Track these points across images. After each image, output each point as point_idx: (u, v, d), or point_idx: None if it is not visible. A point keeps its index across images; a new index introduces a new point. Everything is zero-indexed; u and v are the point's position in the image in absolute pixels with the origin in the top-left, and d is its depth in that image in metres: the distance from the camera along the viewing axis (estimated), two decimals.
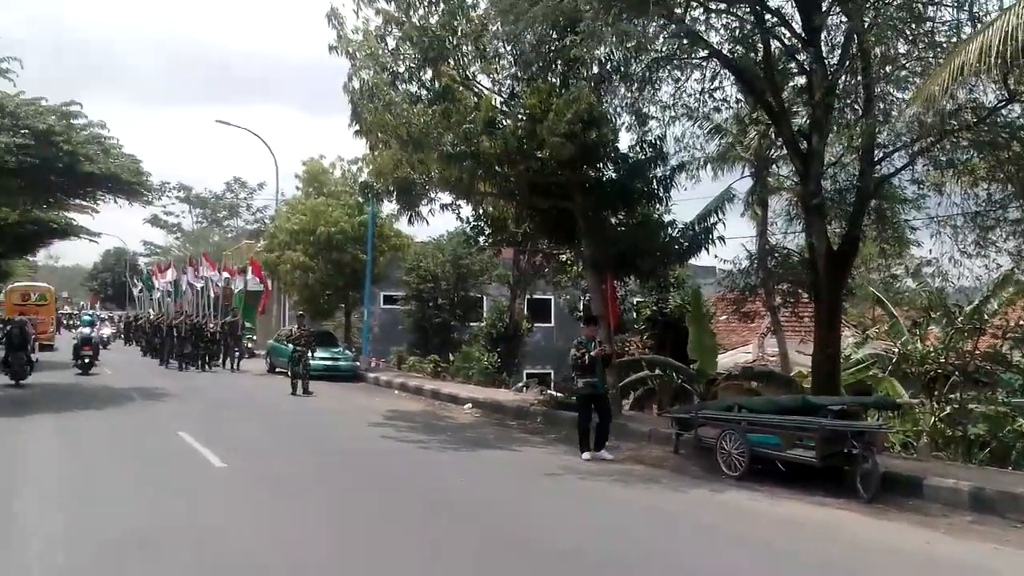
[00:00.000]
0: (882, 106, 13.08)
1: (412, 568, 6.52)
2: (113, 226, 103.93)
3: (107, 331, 41.39)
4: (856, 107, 13.63)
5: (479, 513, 8.54)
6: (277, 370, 27.56)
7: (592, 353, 12.13)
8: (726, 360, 21.86)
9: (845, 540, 7.82)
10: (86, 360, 23.85)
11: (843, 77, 13.27)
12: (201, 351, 28.01)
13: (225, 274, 31.39)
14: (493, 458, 12.34)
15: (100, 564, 6.33)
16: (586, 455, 11.90)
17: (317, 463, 11.36)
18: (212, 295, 30.44)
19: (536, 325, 30.67)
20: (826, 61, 12.91)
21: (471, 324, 30.39)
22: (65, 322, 52.79)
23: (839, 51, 13.10)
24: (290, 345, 26.73)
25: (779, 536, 7.86)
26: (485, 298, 31.75)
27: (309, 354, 20.99)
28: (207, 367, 27.79)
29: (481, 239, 20.56)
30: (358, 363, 26.67)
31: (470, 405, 18.58)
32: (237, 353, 28.42)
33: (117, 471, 10.40)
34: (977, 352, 16.04)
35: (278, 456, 11.91)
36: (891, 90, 13.21)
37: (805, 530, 8.15)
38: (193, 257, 38.30)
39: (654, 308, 21.94)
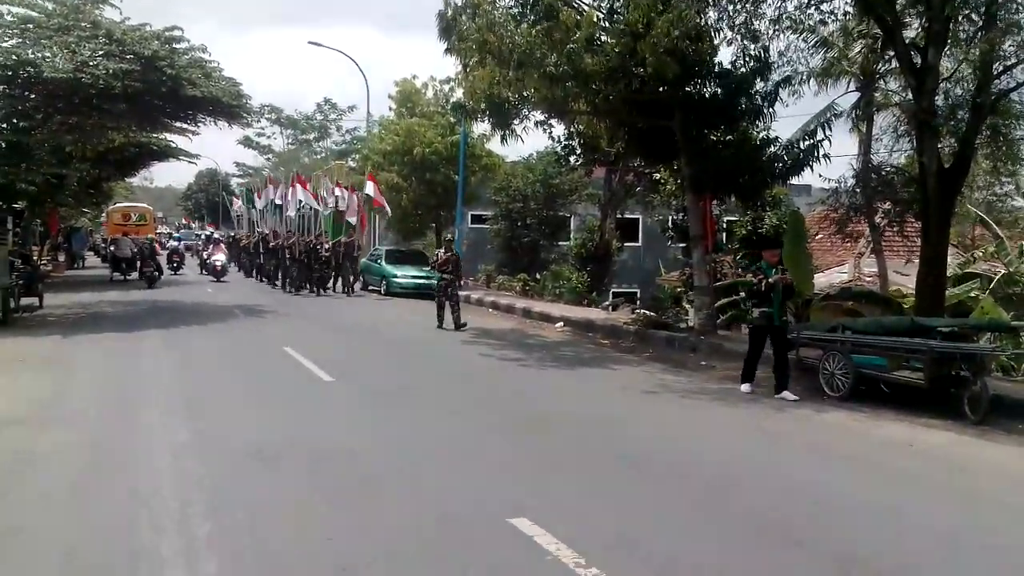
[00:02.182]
0: (1004, 14, 12.42)
1: (525, 478, 6.72)
2: (206, 147, 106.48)
3: (220, 258, 33.33)
4: (974, 17, 12.97)
5: (585, 429, 8.71)
6: (370, 288, 28.23)
7: (771, 280, 10.82)
8: (822, 280, 21.49)
9: (957, 462, 7.79)
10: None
11: None
12: (315, 274, 26.84)
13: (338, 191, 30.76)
14: (590, 375, 12.53)
15: (228, 473, 6.63)
16: (745, 387, 11.02)
17: (421, 379, 11.74)
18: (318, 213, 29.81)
19: (624, 244, 30.53)
20: None
21: (559, 243, 30.45)
22: (162, 241, 54.35)
23: None
24: (383, 264, 27.51)
25: (889, 456, 7.87)
26: (572, 217, 31.70)
27: (457, 284, 18.58)
28: (321, 291, 26.69)
29: (572, 158, 20.44)
30: None
31: (562, 324, 18.77)
32: (352, 277, 27.51)
33: (229, 385, 10.90)
34: None
35: (383, 371, 12.34)
36: None
37: (915, 451, 8.11)
38: (275, 177, 37.89)
39: (748, 228, 21.55)
